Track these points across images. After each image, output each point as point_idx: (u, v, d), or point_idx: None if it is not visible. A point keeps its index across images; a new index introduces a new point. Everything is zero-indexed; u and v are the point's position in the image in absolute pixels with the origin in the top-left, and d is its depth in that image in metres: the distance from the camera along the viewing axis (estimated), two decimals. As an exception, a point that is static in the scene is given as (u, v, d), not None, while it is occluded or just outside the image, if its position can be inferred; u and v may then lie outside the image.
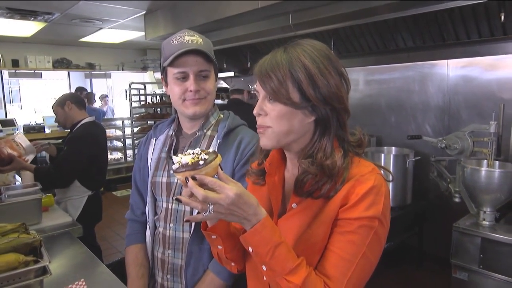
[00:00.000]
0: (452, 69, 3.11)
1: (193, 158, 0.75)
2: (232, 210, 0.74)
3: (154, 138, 1.36)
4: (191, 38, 1.18)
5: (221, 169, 0.78)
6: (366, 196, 0.78)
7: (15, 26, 4.79)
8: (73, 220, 2.11)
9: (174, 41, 1.18)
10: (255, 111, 0.85)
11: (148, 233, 1.34)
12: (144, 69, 7.38)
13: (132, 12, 4.16)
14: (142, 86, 6.17)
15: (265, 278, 0.82)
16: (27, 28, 4.97)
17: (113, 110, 7.80)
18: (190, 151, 0.78)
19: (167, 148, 1.30)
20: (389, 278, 3.12)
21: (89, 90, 8.33)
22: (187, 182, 0.73)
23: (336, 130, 0.84)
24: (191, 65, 1.16)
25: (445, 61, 3.14)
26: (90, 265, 1.52)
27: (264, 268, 0.79)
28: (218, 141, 1.22)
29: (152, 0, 3.58)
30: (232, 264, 1.00)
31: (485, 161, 2.12)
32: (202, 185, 0.73)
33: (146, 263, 1.33)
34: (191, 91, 1.17)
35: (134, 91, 6.06)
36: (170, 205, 1.26)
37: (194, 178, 0.73)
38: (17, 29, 5.04)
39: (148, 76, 7.07)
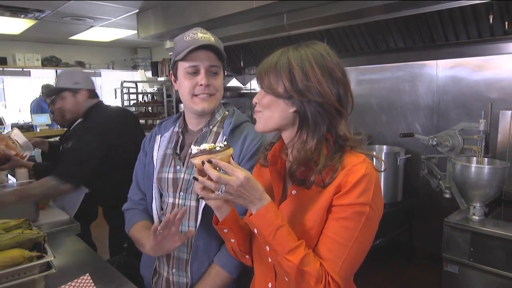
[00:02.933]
0: (442, 69, 3.19)
1: (210, 146, 0.86)
2: (241, 192, 0.83)
3: (159, 135, 1.38)
4: (204, 36, 1.21)
5: (233, 159, 0.88)
6: (358, 184, 0.85)
7: (4, 23, 4.72)
8: (71, 218, 2.10)
9: (187, 37, 1.21)
10: (254, 100, 0.98)
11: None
12: (135, 67, 7.35)
13: (124, 10, 4.15)
14: (134, 85, 6.14)
15: (270, 260, 0.93)
16: (16, 25, 4.90)
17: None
18: (206, 144, 0.88)
19: (173, 145, 1.32)
20: (381, 274, 3.19)
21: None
22: (203, 166, 0.83)
23: (323, 125, 0.91)
24: (203, 60, 1.20)
25: (434, 61, 3.22)
26: (92, 261, 1.53)
27: (267, 248, 0.87)
28: (224, 137, 1.25)
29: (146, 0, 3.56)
30: (247, 256, 1.07)
31: (475, 158, 2.19)
32: (216, 168, 0.84)
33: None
34: (201, 85, 1.20)
35: (125, 90, 6.03)
36: (176, 200, 1.28)
37: (210, 162, 0.83)
38: (6, 27, 4.97)
39: (139, 74, 7.04)
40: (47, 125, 6.01)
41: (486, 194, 2.02)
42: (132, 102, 5.61)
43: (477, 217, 2.05)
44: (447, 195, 2.34)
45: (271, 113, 0.94)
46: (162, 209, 1.34)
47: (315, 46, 0.93)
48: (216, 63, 1.22)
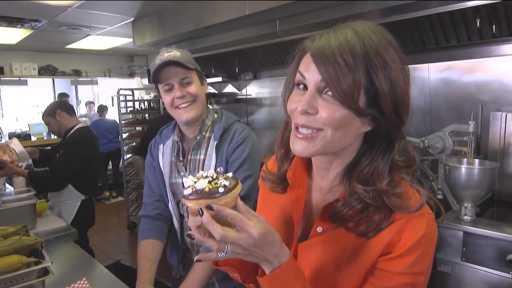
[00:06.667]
0: (433, 72, 3.23)
1: (210, 184, 0.62)
2: (252, 251, 0.61)
3: (162, 144, 1.48)
4: (169, 54, 1.31)
5: (241, 199, 0.64)
6: (415, 248, 0.65)
7: (1, 33, 4.75)
8: (68, 225, 2.13)
9: (157, 61, 1.31)
10: (301, 107, 0.64)
11: (176, 225, 1.46)
12: (131, 75, 7.39)
13: (120, 19, 4.19)
14: (130, 92, 6.17)
15: None
16: (12, 35, 4.94)
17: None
18: (202, 173, 0.65)
19: (175, 153, 1.42)
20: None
21: (75, 97, 8.29)
22: (201, 213, 0.59)
23: (393, 145, 0.67)
24: (173, 76, 1.30)
25: (426, 65, 3.26)
26: (89, 266, 1.56)
27: None
28: (216, 142, 1.34)
29: (144, 0, 3.57)
30: (251, 284, 0.88)
31: (465, 159, 2.23)
32: (217, 218, 0.60)
33: (153, 257, 1.41)
34: (177, 97, 1.30)
35: (121, 97, 6.06)
36: None
37: (210, 208, 0.59)
38: (2, 36, 5.00)
39: (135, 82, 7.07)
40: (44, 133, 6.03)
41: (477, 195, 2.05)
42: (129, 110, 5.63)
43: (468, 217, 2.08)
44: (440, 196, 2.37)
45: (342, 134, 0.64)
46: (180, 210, 1.46)
47: (369, 24, 0.68)
48: (185, 74, 1.32)
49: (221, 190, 0.60)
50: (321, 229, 0.71)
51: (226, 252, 0.60)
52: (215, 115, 1.43)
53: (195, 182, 0.62)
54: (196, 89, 1.34)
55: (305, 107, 0.63)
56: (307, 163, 0.79)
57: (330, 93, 0.62)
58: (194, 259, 0.68)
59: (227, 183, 0.61)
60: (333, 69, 0.60)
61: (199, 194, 0.60)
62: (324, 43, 0.62)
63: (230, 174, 0.65)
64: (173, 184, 1.44)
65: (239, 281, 0.86)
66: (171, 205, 1.47)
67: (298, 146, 0.67)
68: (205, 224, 0.59)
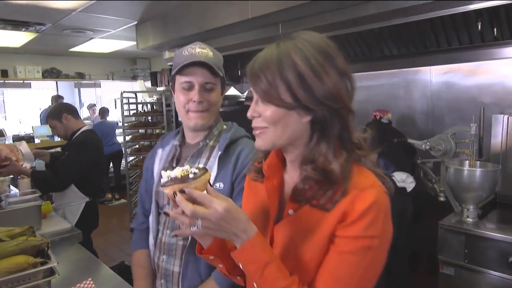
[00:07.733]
0: (435, 75, 3.24)
1: (183, 172, 0.74)
2: (221, 226, 0.72)
3: (161, 149, 1.40)
4: (202, 51, 1.21)
5: (211, 185, 0.77)
6: (366, 214, 0.73)
7: (5, 36, 4.80)
8: (72, 226, 2.15)
9: (185, 52, 1.22)
10: (248, 114, 0.82)
11: (151, 241, 1.36)
12: (134, 78, 7.42)
13: (123, 22, 4.22)
14: (133, 95, 6.21)
15: None
16: (17, 38, 4.98)
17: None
18: (179, 168, 0.77)
19: (170, 158, 1.34)
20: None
21: (78, 100, 8.33)
22: (175, 197, 0.71)
23: (337, 131, 0.79)
24: (197, 76, 1.20)
25: (428, 67, 3.27)
26: (94, 267, 1.57)
27: (255, 285, 0.77)
28: (219, 152, 1.24)
29: (148, 0, 3.60)
30: (238, 277, 0.96)
31: (467, 161, 2.24)
32: (191, 200, 0.72)
33: (149, 265, 1.37)
34: (194, 101, 1.21)
35: (125, 100, 6.09)
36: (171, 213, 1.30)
37: (183, 192, 0.72)
38: (7, 40, 5.05)
39: (138, 85, 7.11)
40: (47, 136, 6.06)
41: (478, 197, 2.06)
42: (131, 112, 5.66)
43: (471, 220, 2.09)
44: (442, 198, 2.38)
45: (283, 128, 0.78)
46: (159, 222, 1.35)
47: (309, 36, 0.80)
48: (211, 79, 1.22)
49: (191, 176, 0.73)
50: (292, 211, 0.82)
51: (197, 226, 0.72)
52: (225, 126, 1.34)
53: (170, 173, 0.75)
54: (215, 98, 1.25)
55: (250, 113, 0.82)
56: (281, 158, 0.90)
57: None
58: (172, 235, 0.81)
59: (196, 171, 0.75)
60: (257, 81, 0.78)
61: (173, 180, 0.73)
62: (251, 64, 0.81)
63: (201, 165, 0.78)
64: (158, 193, 1.33)
65: (225, 274, 0.94)
66: (151, 218, 1.36)
67: (256, 142, 0.84)
68: (178, 204, 0.71)
